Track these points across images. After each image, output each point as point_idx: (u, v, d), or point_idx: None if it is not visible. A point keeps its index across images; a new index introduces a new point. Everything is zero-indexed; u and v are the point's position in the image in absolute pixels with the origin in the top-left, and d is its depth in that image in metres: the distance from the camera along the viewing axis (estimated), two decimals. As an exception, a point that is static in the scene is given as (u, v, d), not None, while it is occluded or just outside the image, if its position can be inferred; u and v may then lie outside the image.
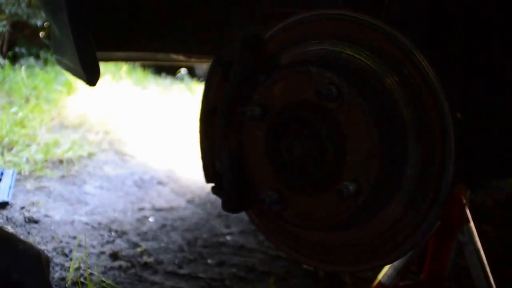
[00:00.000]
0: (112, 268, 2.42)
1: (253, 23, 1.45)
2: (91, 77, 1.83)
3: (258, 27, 1.35)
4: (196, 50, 2.21)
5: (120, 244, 2.64)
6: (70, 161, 3.78)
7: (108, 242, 2.66)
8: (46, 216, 2.89)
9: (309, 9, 1.24)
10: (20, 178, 3.30)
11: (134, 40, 2.10)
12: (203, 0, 2.03)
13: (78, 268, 2.33)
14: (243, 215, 3.06)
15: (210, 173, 1.38)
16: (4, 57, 7.11)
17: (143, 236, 2.79)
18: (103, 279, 2.28)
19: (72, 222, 2.84)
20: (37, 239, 2.60)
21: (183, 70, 9.49)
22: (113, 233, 2.76)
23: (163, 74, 9.40)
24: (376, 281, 1.95)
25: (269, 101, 1.20)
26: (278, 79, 1.20)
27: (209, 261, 2.63)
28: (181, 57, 2.29)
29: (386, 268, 1.95)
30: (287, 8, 1.44)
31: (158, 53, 2.31)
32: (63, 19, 1.77)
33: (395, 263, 1.91)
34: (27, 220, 2.82)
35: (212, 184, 1.32)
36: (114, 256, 2.53)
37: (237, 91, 1.27)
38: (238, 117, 1.26)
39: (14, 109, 4.85)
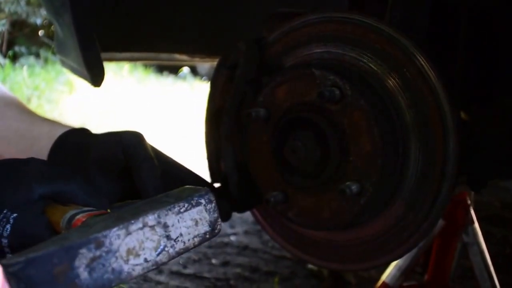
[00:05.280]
0: (117, 268, 2.43)
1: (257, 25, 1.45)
2: (96, 78, 1.83)
3: (262, 29, 1.36)
4: (200, 51, 2.22)
5: (124, 244, 2.65)
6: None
7: (112, 242, 2.67)
8: (51, 216, 2.89)
9: (313, 12, 1.25)
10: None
11: (139, 41, 2.11)
12: (207, 1, 2.03)
13: (83, 269, 2.34)
14: (247, 215, 3.07)
15: (215, 174, 1.39)
16: (5, 56, 7.10)
17: (147, 236, 2.80)
18: (108, 279, 2.29)
19: (77, 223, 2.84)
20: (42, 239, 2.61)
21: (185, 69, 9.49)
22: (117, 234, 2.77)
23: (165, 73, 9.39)
24: (380, 281, 1.96)
25: (273, 103, 1.22)
26: (282, 81, 1.21)
27: (213, 261, 2.64)
28: (184, 57, 2.29)
29: (390, 268, 1.96)
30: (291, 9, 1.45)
31: (161, 53, 2.31)
32: (67, 19, 1.78)
33: (399, 263, 1.92)
34: (31, 220, 2.83)
35: (217, 184, 1.34)
36: (119, 256, 2.54)
37: (242, 93, 1.28)
38: (243, 118, 1.27)
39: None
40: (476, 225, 1.93)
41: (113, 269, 0.70)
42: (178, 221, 0.76)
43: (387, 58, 1.15)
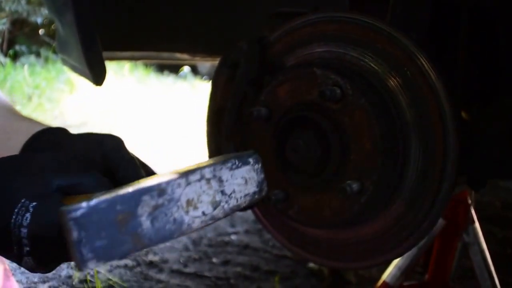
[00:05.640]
0: (118, 266, 2.44)
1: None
2: (98, 77, 1.84)
3: (264, 28, 1.37)
4: (201, 50, 2.22)
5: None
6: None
7: (113, 241, 2.67)
8: (52, 214, 2.89)
9: (314, 11, 1.26)
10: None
11: (140, 39, 2.12)
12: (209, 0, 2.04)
13: (84, 267, 2.34)
14: (248, 215, 3.07)
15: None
16: (5, 55, 7.10)
17: (148, 235, 2.80)
18: (110, 277, 2.30)
19: (78, 221, 2.84)
20: (43, 238, 2.61)
21: (186, 68, 9.50)
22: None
23: (166, 72, 9.39)
24: (381, 281, 1.96)
25: (274, 102, 1.22)
26: (284, 80, 1.21)
27: (214, 260, 2.64)
28: (185, 56, 2.30)
29: (390, 268, 1.96)
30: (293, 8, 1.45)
31: (163, 52, 2.32)
32: (68, 18, 1.78)
33: (400, 263, 1.93)
34: (33, 219, 2.83)
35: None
36: (120, 254, 2.54)
37: (244, 92, 1.29)
38: (244, 118, 1.28)
39: (17, 108, 4.86)
40: (477, 224, 1.93)
41: (175, 219, 0.68)
42: (231, 176, 0.77)
43: (388, 57, 1.16)
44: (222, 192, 0.75)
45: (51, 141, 1.08)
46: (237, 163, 0.78)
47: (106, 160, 1.02)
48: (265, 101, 1.24)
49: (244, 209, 0.81)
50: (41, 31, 7.86)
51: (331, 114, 1.15)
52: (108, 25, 1.99)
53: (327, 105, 1.15)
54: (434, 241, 1.97)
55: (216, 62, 1.41)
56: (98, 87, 1.90)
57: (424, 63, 1.12)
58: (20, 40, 7.75)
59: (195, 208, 0.71)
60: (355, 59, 1.20)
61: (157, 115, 6.26)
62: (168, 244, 2.74)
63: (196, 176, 0.72)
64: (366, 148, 1.12)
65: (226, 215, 0.77)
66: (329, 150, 1.15)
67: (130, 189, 0.66)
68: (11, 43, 7.59)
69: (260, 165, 0.83)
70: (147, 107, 6.63)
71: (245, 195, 0.79)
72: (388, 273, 1.96)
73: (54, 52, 7.50)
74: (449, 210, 1.91)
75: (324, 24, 1.24)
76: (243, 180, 0.79)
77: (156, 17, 2.07)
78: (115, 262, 2.46)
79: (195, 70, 9.57)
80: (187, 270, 2.51)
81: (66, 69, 6.47)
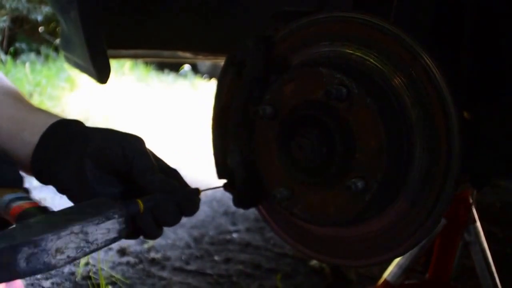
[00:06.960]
0: (120, 263, 2.45)
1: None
2: (102, 75, 1.85)
3: (270, 27, 1.38)
4: (204, 49, 2.23)
5: (128, 241, 2.66)
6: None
7: (115, 238, 2.67)
8: (54, 212, 2.90)
9: (320, 11, 1.27)
10: (26, 175, 3.31)
11: (144, 38, 2.12)
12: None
13: (86, 264, 2.36)
14: (249, 213, 3.08)
15: (222, 170, 1.41)
16: (6, 53, 7.10)
17: (150, 232, 2.81)
18: (112, 274, 2.31)
19: (80, 219, 2.85)
20: (46, 235, 2.62)
21: (186, 67, 9.49)
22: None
23: (166, 70, 9.38)
24: (382, 279, 1.97)
25: (280, 101, 1.23)
26: (289, 79, 1.22)
27: (216, 257, 2.65)
28: (187, 55, 2.30)
29: (391, 267, 1.97)
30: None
31: (165, 51, 2.32)
32: (73, 15, 1.78)
33: (401, 262, 1.94)
34: (35, 216, 2.84)
35: (224, 181, 1.35)
36: (122, 252, 2.55)
37: (249, 91, 1.30)
38: (250, 116, 1.29)
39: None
40: (478, 224, 1.94)
41: (44, 262, 0.91)
42: (96, 229, 0.98)
43: (393, 57, 1.17)
44: (86, 241, 0.97)
45: (71, 132, 1.10)
46: (103, 219, 0.99)
47: (129, 164, 1.05)
48: (270, 99, 1.25)
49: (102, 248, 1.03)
50: (41, 29, 7.86)
51: (337, 113, 1.16)
52: (112, 23, 1.99)
53: (332, 104, 1.16)
54: (435, 240, 1.97)
55: (217, 61, 1.42)
56: (102, 85, 1.90)
57: (428, 62, 1.13)
58: (20, 38, 7.75)
59: (62, 253, 0.94)
60: (361, 58, 1.20)
61: (158, 112, 6.26)
62: (169, 241, 2.75)
63: (67, 232, 0.94)
64: (371, 146, 1.13)
65: (86, 255, 0.99)
66: (334, 148, 1.16)
67: (15, 241, 0.89)
68: (11, 41, 7.59)
69: (123, 218, 1.02)
70: (147, 105, 6.63)
71: (105, 240, 1.00)
72: (389, 272, 1.97)
73: (55, 49, 7.51)
74: (450, 209, 1.91)
75: (329, 24, 1.25)
76: (106, 230, 0.99)
77: (160, 15, 2.08)
78: (117, 259, 2.47)
79: (195, 69, 9.56)
80: (189, 267, 2.52)
81: (66, 67, 6.48)
